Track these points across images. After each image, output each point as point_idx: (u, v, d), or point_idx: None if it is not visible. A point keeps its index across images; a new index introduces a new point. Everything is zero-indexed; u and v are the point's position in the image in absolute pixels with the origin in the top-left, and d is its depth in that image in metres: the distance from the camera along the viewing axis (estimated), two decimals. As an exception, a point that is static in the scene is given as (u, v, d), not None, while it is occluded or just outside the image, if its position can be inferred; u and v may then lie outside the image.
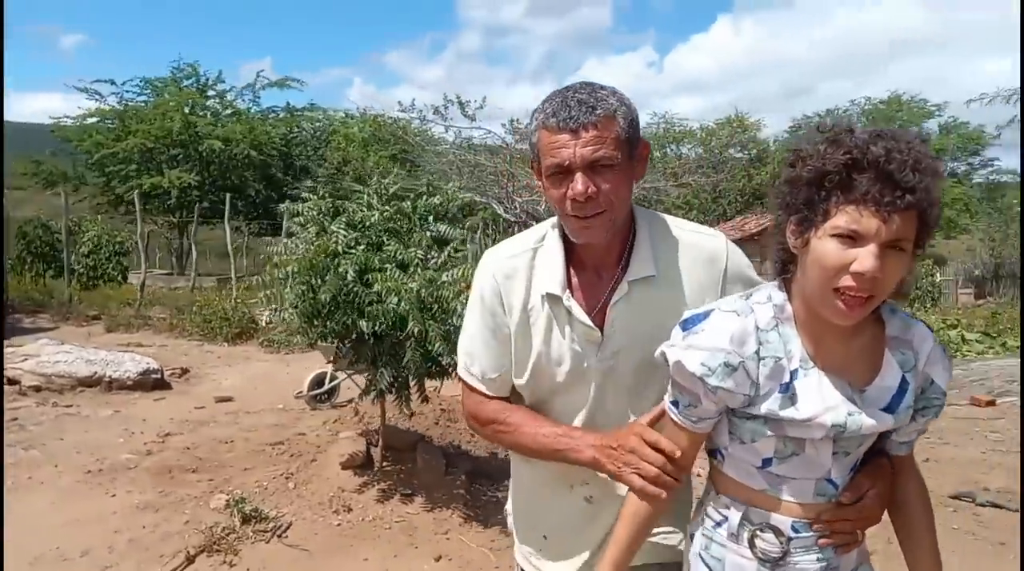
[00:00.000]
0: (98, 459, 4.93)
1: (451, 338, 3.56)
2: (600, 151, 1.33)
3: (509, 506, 1.81)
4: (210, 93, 23.59)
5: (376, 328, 3.63)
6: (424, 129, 17.48)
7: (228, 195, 15.29)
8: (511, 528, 1.79)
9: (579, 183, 1.34)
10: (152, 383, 7.29)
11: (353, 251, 3.72)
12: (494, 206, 13.32)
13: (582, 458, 1.43)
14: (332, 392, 6.28)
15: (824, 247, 1.13)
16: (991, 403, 6.85)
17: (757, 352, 1.23)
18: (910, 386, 1.25)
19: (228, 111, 23.86)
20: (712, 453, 1.38)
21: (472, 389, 1.61)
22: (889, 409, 1.24)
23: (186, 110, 22.21)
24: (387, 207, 3.94)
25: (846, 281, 1.12)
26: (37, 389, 6.80)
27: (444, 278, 3.61)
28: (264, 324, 11.09)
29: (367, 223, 3.87)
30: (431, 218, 3.96)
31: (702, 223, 1.65)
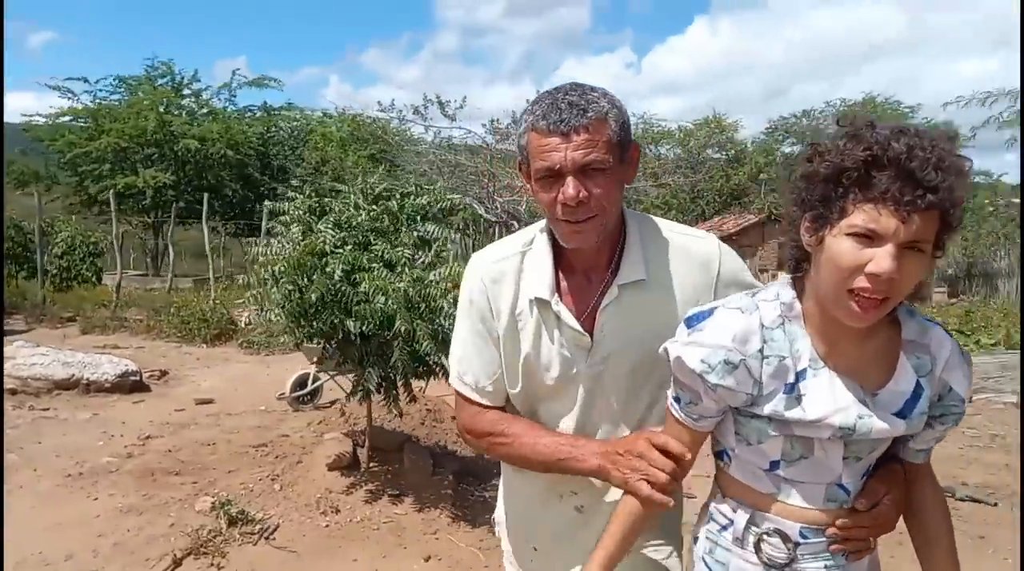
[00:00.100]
0: (78, 462, 4.86)
1: (439, 337, 3.56)
2: (591, 155, 1.30)
3: (498, 514, 1.78)
4: (185, 92, 23.32)
5: (364, 328, 3.62)
6: (403, 129, 17.43)
7: (207, 195, 15.10)
8: (499, 536, 1.76)
9: (570, 187, 1.31)
10: (131, 385, 7.19)
11: (340, 251, 3.71)
12: (475, 206, 13.32)
13: (586, 467, 1.40)
14: (315, 393, 6.25)
15: (839, 246, 1.09)
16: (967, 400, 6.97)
17: (761, 350, 1.19)
18: (925, 392, 1.21)
19: (204, 110, 23.59)
20: (719, 455, 1.35)
21: (467, 400, 1.56)
22: (902, 414, 1.20)
23: (161, 109, 21.94)
24: (374, 207, 3.92)
25: (861, 282, 1.08)
26: (13, 392, 6.67)
27: (431, 277, 3.61)
28: (243, 325, 11.00)
29: (353, 223, 3.86)
30: (418, 218, 3.95)
31: (680, 223, 1.62)
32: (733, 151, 25.23)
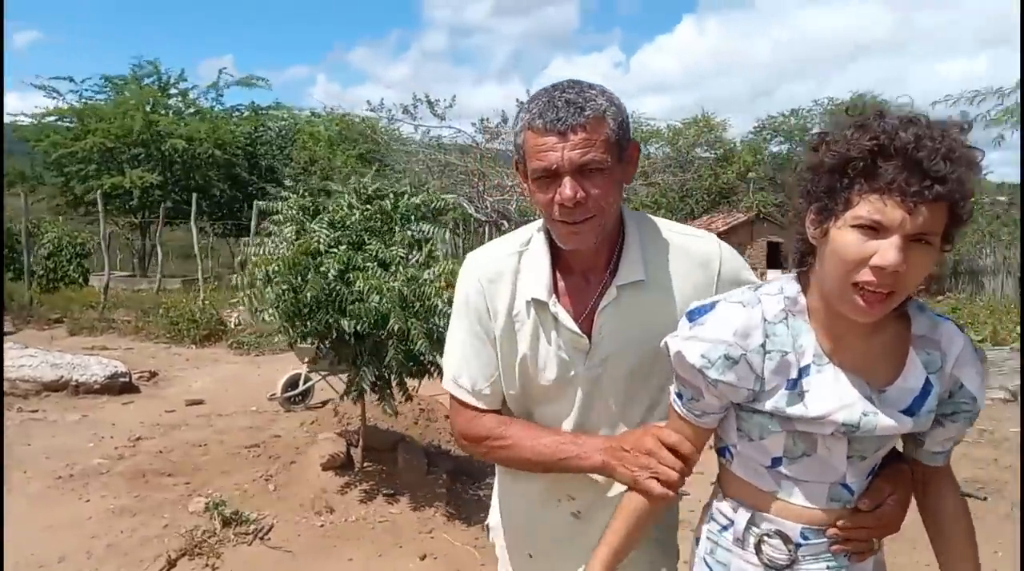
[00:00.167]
0: (68, 464, 4.82)
1: (433, 336, 3.56)
2: (589, 154, 1.27)
3: (492, 519, 1.73)
4: (172, 91, 23.19)
5: (358, 327, 3.61)
6: (392, 128, 17.40)
7: (195, 195, 15.02)
8: (492, 541, 1.73)
9: (567, 188, 1.27)
10: (120, 387, 7.14)
11: (334, 250, 3.70)
12: (465, 205, 13.31)
13: (588, 464, 1.37)
14: (306, 394, 6.23)
15: (844, 238, 1.06)
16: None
17: (763, 345, 1.16)
18: (934, 389, 1.17)
19: (191, 110, 23.47)
20: (721, 452, 1.32)
21: (463, 404, 1.50)
22: (909, 412, 1.16)
23: (147, 109, 21.79)
24: (367, 206, 3.92)
25: (866, 275, 1.04)
26: (1, 394, 6.62)
27: (425, 276, 3.60)
28: (233, 326, 10.96)
29: (347, 222, 3.85)
30: (412, 218, 3.94)
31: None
32: (721, 150, 25.37)
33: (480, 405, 1.48)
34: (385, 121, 16.89)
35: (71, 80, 22.13)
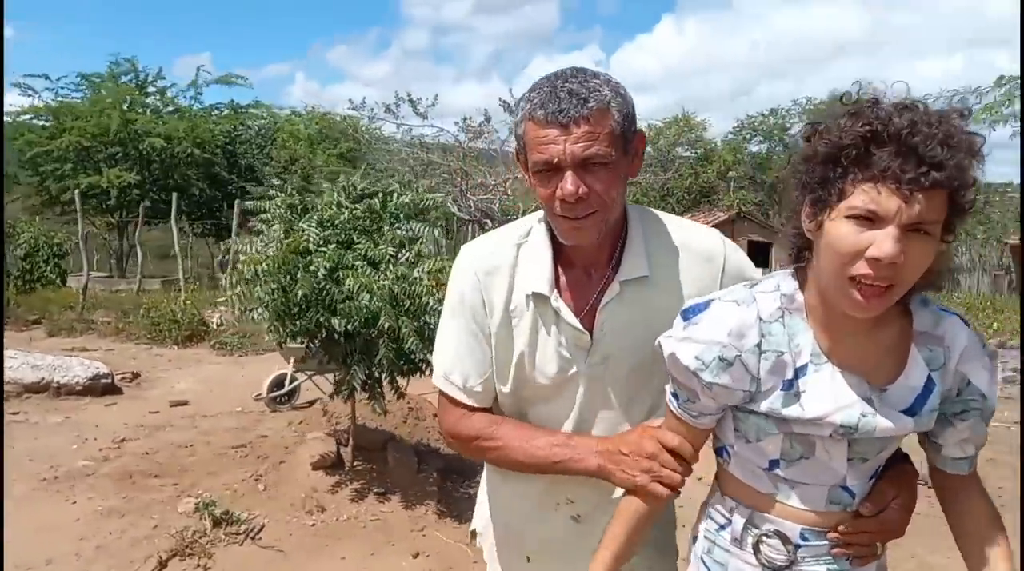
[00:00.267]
0: (52, 467, 4.77)
1: (424, 334, 3.57)
2: (592, 148, 1.21)
3: (479, 524, 1.67)
4: (150, 89, 22.93)
5: (349, 326, 3.61)
6: (374, 127, 17.34)
7: (175, 194, 14.87)
8: (480, 545, 1.67)
9: (569, 183, 1.23)
10: (102, 388, 7.06)
11: (324, 249, 3.70)
12: (448, 204, 13.30)
13: (583, 467, 1.32)
14: (292, 394, 6.21)
15: (838, 230, 1.01)
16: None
17: (758, 345, 1.12)
18: (936, 387, 1.12)
19: (169, 108, 23.22)
20: (718, 452, 1.28)
21: (452, 402, 1.45)
22: (911, 411, 1.12)
23: (124, 107, 21.53)
24: (356, 205, 3.92)
25: (862, 268, 0.99)
26: (-20, 396, 6.53)
27: (415, 274, 3.61)
28: (215, 326, 10.88)
29: (336, 221, 3.85)
30: (402, 216, 3.95)
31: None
32: (702, 149, 25.57)
33: (471, 403, 1.43)
34: (366, 120, 16.84)
35: (47, 78, 21.84)
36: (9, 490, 4.35)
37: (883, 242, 0.97)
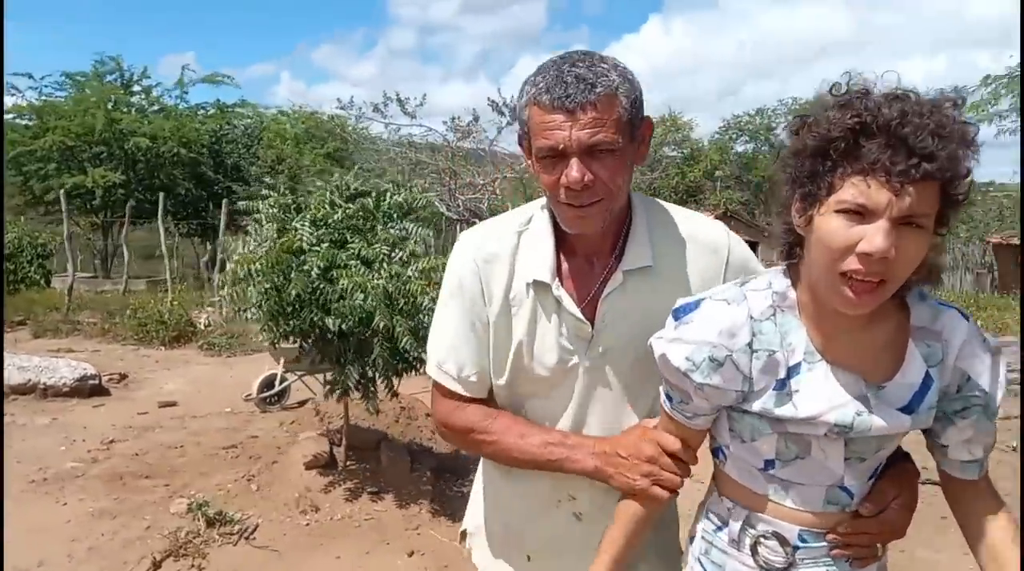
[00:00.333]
0: (41, 468, 4.74)
1: (419, 333, 3.57)
2: (599, 135, 1.18)
3: (471, 524, 1.63)
4: (135, 88, 22.71)
5: (343, 325, 3.61)
6: (361, 127, 17.29)
7: (162, 194, 14.75)
8: (469, 547, 1.63)
9: (574, 170, 1.19)
10: (90, 389, 7.01)
11: (317, 248, 3.69)
12: (436, 204, 13.29)
13: (579, 468, 1.30)
14: (282, 394, 6.19)
15: (828, 225, 0.99)
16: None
17: (750, 344, 1.10)
18: (934, 383, 1.09)
19: (155, 107, 23.02)
20: (714, 452, 1.26)
21: (446, 393, 1.42)
22: (908, 409, 1.09)
23: (109, 106, 21.32)
24: (349, 205, 3.92)
25: (852, 263, 0.97)
26: (-34, 398, 6.46)
27: (409, 273, 3.61)
28: (203, 327, 10.82)
29: (329, 221, 3.84)
30: (395, 216, 3.95)
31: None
32: (689, 149, 25.67)
33: (465, 393, 1.40)
34: (353, 119, 16.79)
35: (30, 76, 21.58)
36: (-2, 492, 4.32)
37: (873, 236, 0.95)
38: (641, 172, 21.62)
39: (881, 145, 0.94)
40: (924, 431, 1.15)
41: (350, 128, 18.34)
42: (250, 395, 6.22)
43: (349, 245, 3.75)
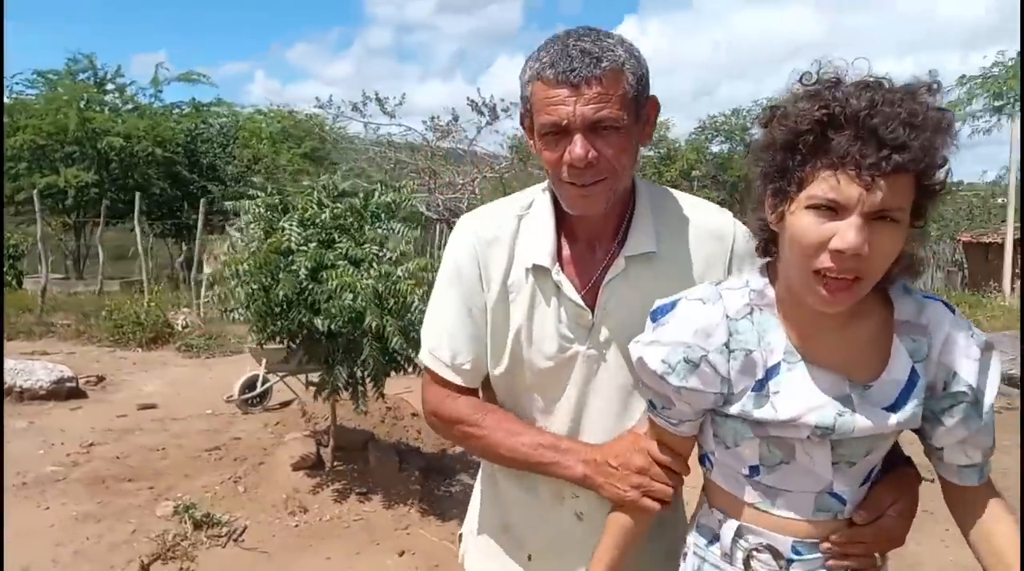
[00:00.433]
0: (19, 472, 4.66)
1: (409, 333, 3.57)
2: (604, 111, 1.15)
3: (467, 528, 1.56)
4: (109, 87, 22.36)
5: (332, 325, 3.60)
6: (339, 127, 17.20)
7: (138, 194, 14.56)
8: (464, 552, 1.55)
9: (578, 146, 1.16)
10: (67, 392, 6.90)
11: (305, 248, 3.68)
12: (416, 204, 13.26)
13: (568, 474, 1.26)
14: (264, 395, 6.15)
15: (800, 221, 0.95)
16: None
17: (727, 344, 1.06)
18: (920, 379, 1.04)
19: (128, 106, 22.68)
20: (701, 460, 1.21)
21: (438, 380, 1.37)
22: (894, 408, 1.04)
23: (82, 104, 20.98)
24: (337, 204, 3.90)
25: (825, 261, 0.94)
26: (-61, 402, 6.33)
27: (399, 273, 3.61)
28: (180, 328, 10.69)
29: (316, 221, 3.83)
30: (383, 215, 3.94)
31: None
32: (665, 149, 25.80)
33: (458, 381, 1.36)
34: (330, 119, 16.70)
35: (-2, 74, 21.15)
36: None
37: (845, 233, 0.91)
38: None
39: (850, 137, 0.91)
40: (918, 434, 1.11)
41: (328, 127, 18.21)
42: (231, 396, 6.17)
43: (337, 245, 3.74)
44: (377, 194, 3.96)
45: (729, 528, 1.14)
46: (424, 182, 13.64)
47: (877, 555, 1.14)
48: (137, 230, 14.08)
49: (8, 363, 6.94)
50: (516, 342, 1.32)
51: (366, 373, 3.79)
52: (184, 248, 19.21)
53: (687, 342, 1.05)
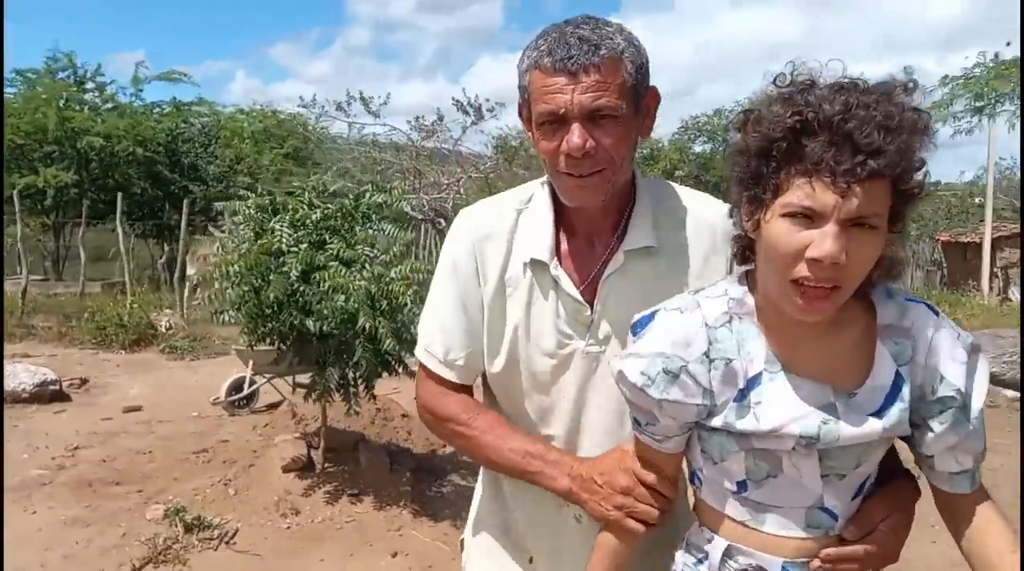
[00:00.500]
0: (4, 476, 4.61)
1: (401, 335, 3.57)
2: (602, 99, 1.13)
3: (468, 533, 1.53)
4: (88, 86, 22.10)
5: (324, 327, 3.59)
6: (322, 126, 17.11)
7: (119, 195, 14.42)
8: (466, 559, 1.52)
9: (575, 135, 1.14)
10: (50, 395, 6.83)
11: (295, 250, 3.67)
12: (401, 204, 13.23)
13: (554, 487, 1.23)
14: (251, 397, 6.13)
15: (775, 230, 0.93)
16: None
17: (706, 353, 1.03)
18: (905, 383, 1.01)
19: (109, 105, 22.43)
20: (690, 477, 1.18)
21: (431, 375, 1.36)
22: (879, 413, 1.01)
23: (61, 104, 20.72)
24: (328, 205, 3.90)
25: (802, 270, 0.91)
26: (-80, 405, 6.25)
27: (392, 274, 3.61)
28: (164, 330, 10.60)
29: (306, 222, 3.82)
30: (374, 216, 3.94)
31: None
32: (648, 149, 25.91)
33: (451, 376, 1.34)
34: (313, 118, 16.61)
35: (-27, 73, 20.85)
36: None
37: (822, 241, 0.89)
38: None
39: (824, 143, 0.88)
40: (908, 443, 1.08)
41: (311, 127, 18.12)
42: (218, 398, 6.13)
43: (328, 246, 3.74)
44: (368, 195, 3.96)
45: (717, 547, 1.10)
46: (409, 182, 13.60)
47: None
48: (120, 231, 13.96)
49: (-10, 366, 6.86)
50: (513, 338, 1.30)
51: (358, 375, 3.79)
52: (166, 249, 19.03)
53: (665, 353, 1.03)
